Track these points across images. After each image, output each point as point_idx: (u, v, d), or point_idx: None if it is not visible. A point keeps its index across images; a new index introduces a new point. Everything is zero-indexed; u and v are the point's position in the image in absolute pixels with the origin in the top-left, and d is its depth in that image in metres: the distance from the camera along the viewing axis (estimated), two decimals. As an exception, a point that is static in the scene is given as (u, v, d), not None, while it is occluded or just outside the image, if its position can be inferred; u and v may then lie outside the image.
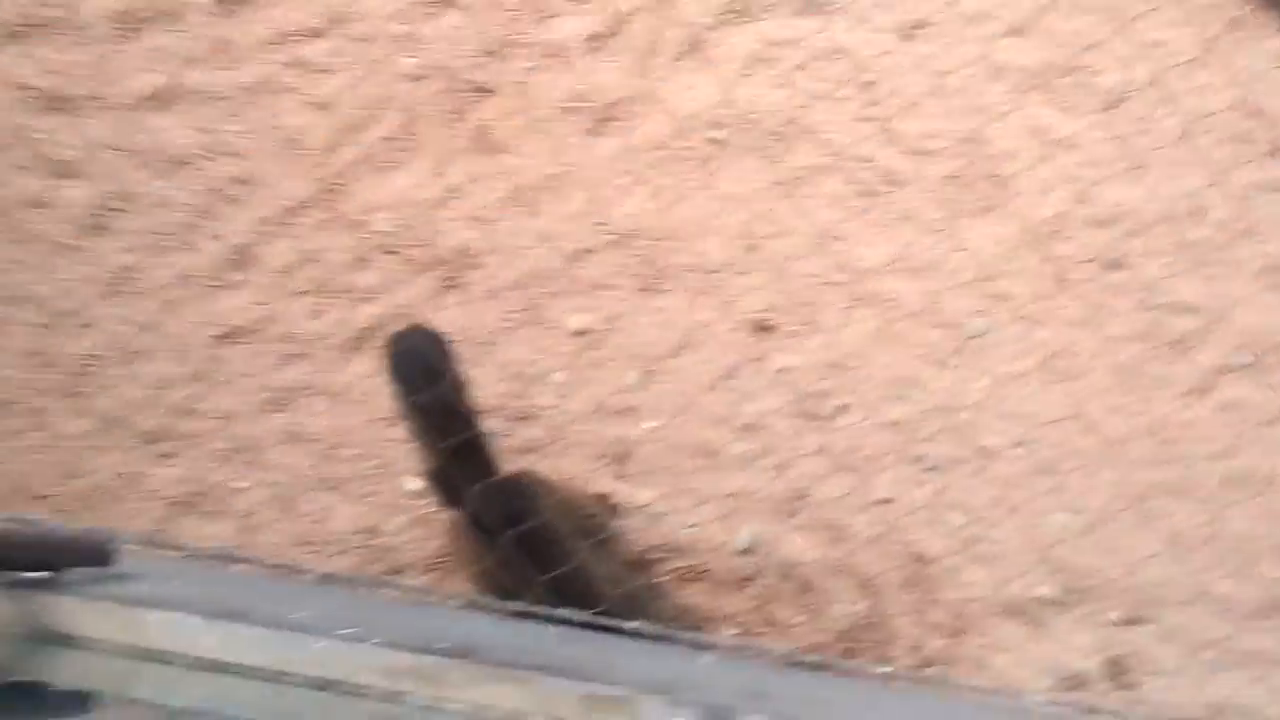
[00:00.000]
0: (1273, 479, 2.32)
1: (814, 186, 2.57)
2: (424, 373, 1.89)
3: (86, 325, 2.45)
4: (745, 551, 2.24)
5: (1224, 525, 2.24)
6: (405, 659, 1.41)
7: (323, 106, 2.50)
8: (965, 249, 2.46)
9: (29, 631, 1.44)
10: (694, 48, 2.70)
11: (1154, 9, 2.59)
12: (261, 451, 2.32)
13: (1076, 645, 2.20)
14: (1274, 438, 2.35)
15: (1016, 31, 2.61)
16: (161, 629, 1.44)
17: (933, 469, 2.30)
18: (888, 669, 1.98)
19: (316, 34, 2.57)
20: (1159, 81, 2.57)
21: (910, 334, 2.40)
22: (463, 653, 1.43)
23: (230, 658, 1.42)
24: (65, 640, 1.44)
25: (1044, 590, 2.24)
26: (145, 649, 1.43)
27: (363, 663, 1.40)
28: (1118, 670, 2.17)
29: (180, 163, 2.44)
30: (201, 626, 1.44)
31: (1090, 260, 2.46)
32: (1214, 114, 2.57)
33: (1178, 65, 2.61)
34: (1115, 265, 2.45)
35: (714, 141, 2.62)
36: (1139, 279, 2.43)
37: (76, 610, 1.46)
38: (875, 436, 2.33)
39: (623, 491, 2.31)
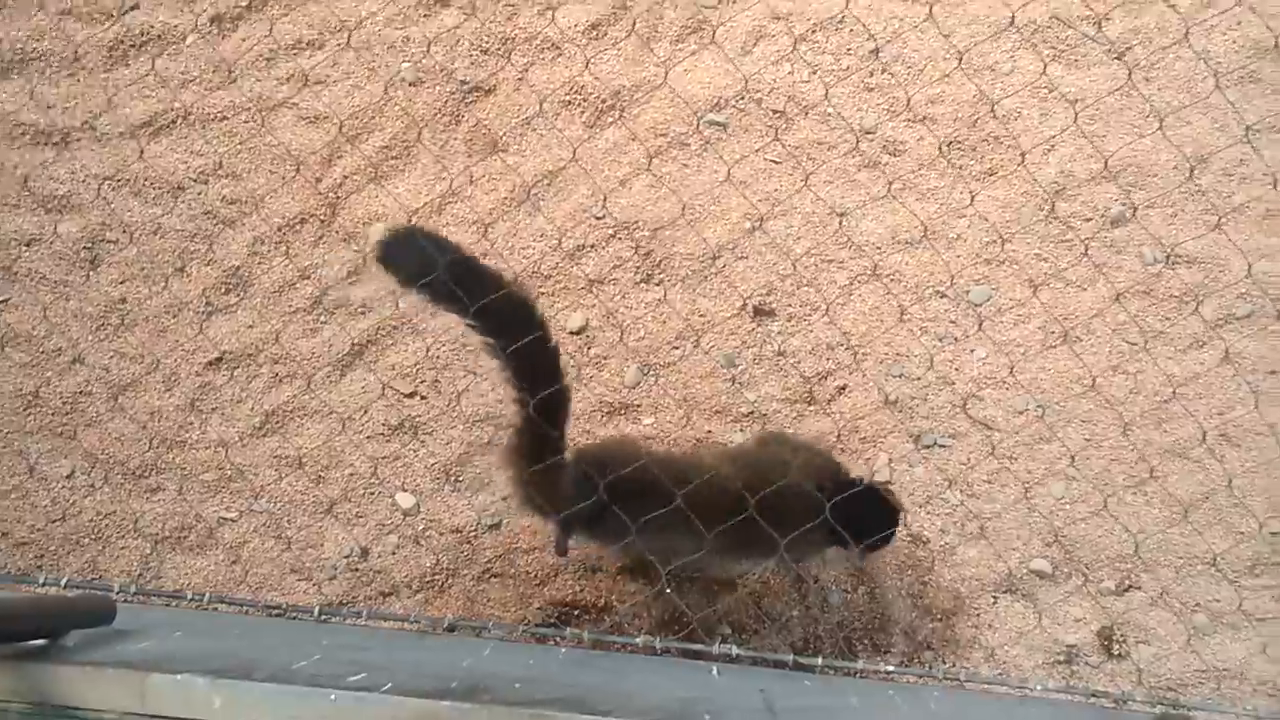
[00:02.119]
0: (1271, 432, 2.62)
1: (815, 163, 2.93)
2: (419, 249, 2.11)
3: (76, 362, 2.95)
4: (742, 544, 2.61)
5: (1220, 483, 2.54)
6: (417, 706, 1.52)
7: (319, 120, 2.95)
8: (967, 215, 2.79)
9: (30, 705, 1.49)
10: (695, 28, 3.09)
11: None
12: (252, 479, 2.76)
13: (1070, 618, 2.53)
14: (1273, 389, 2.64)
15: (1018, -14, 2.93)
16: (167, 693, 1.51)
17: (931, 446, 2.65)
18: (888, 668, 2.30)
19: (312, 46, 3.03)
20: (1164, 26, 2.87)
21: (912, 308, 2.76)
22: (472, 693, 1.55)
23: (239, 719, 1.51)
24: (69, 713, 1.50)
25: (1039, 564, 2.60)
26: (151, 717, 1.51)
27: (374, 714, 1.51)
28: (1109, 641, 2.50)
29: (175, 188, 2.92)
30: (207, 687, 1.52)
31: (1092, 218, 2.77)
32: (1222, 55, 2.85)
33: (1184, 6, 2.89)
34: (1119, 220, 2.77)
35: (715, 124, 3.00)
36: (1142, 233, 2.76)
37: (78, 679, 1.51)
38: (874, 417, 2.70)
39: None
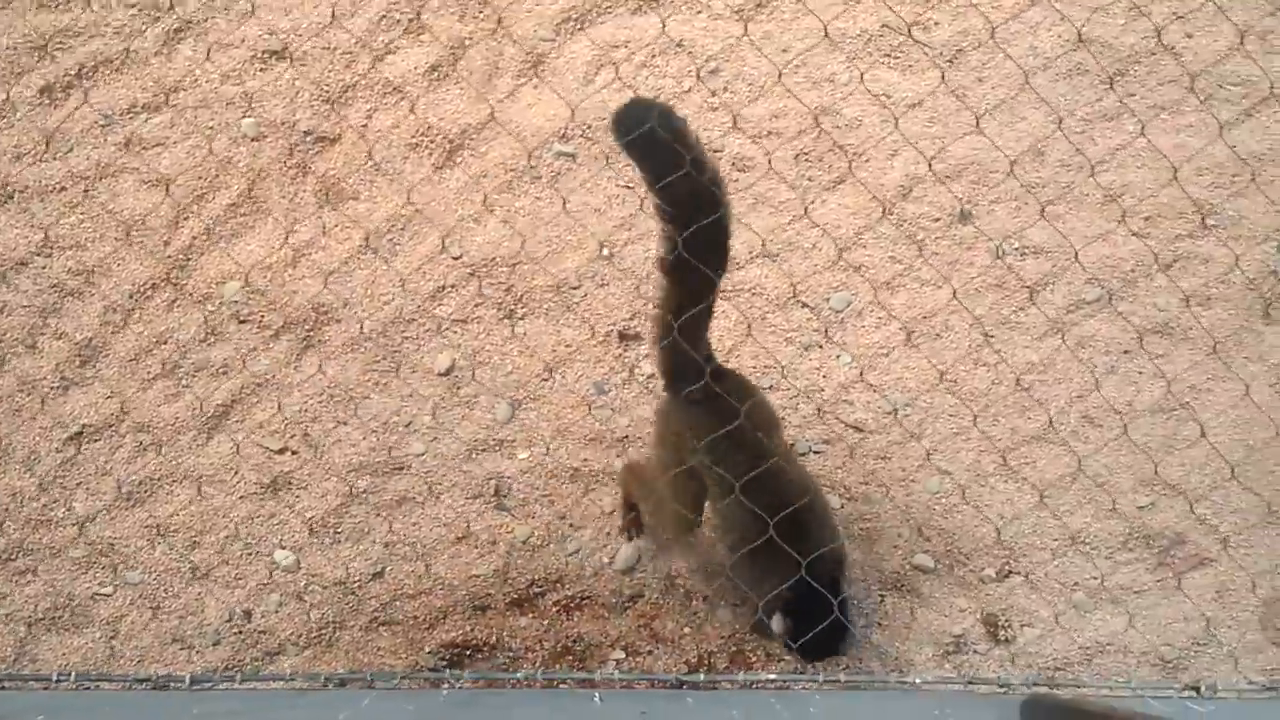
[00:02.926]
0: (1128, 411, 2.87)
1: (666, 185, 3.09)
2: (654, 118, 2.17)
3: None
4: (627, 571, 2.80)
5: (1085, 464, 2.79)
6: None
7: (162, 183, 3.10)
8: (820, 225, 3.00)
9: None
10: (535, 62, 3.27)
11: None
12: (123, 552, 2.86)
13: (955, 609, 2.74)
14: (1126, 369, 2.91)
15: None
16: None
17: (805, 454, 2.85)
18: (769, 676, 2.47)
19: (148, 109, 3.14)
20: (992, 27, 3.12)
21: (774, 320, 2.99)
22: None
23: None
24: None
25: (921, 559, 2.81)
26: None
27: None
28: (994, 627, 2.72)
29: (18, 264, 3.05)
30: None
31: (939, 218, 3.01)
32: (1048, 52, 3.12)
33: (1008, 7, 3.16)
34: (965, 218, 3.01)
35: (563, 155, 3.18)
36: (989, 228, 3.02)
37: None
38: (748, 427, 2.87)
39: (502, 527, 2.83)
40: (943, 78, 3.21)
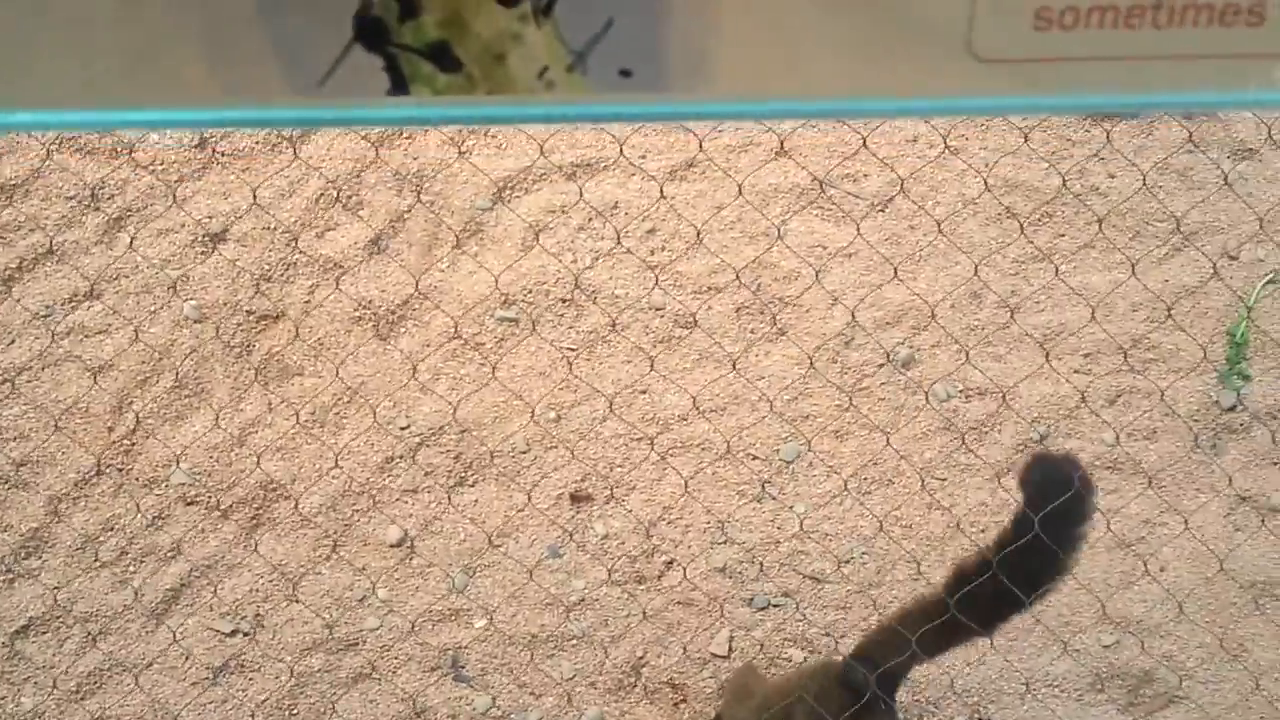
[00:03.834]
0: (1084, 548, 3.05)
1: (610, 345, 3.34)
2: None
3: None
4: (593, 731, 2.93)
5: (1044, 606, 2.96)
6: None
7: (104, 369, 3.29)
8: (765, 376, 3.22)
9: None
10: (473, 232, 3.50)
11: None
12: (86, 745, 2.97)
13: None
14: (1075, 501, 3.10)
15: (780, 154, 3.43)
16: None
17: (765, 608, 3.01)
18: None
19: (89, 297, 3.34)
20: (919, 175, 3.40)
21: (725, 474, 3.17)
22: None
23: None
24: None
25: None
26: None
27: None
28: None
29: (-39, 458, 3.17)
30: None
31: (883, 364, 3.23)
32: (976, 197, 3.39)
33: (933, 158, 3.44)
34: (908, 363, 3.23)
35: (506, 321, 3.40)
36: (932, 372, 3.22)
37: None
38: (705, 586, 3.07)
39: (462, 699, 2.95)
40: (857, 230, 3.47)
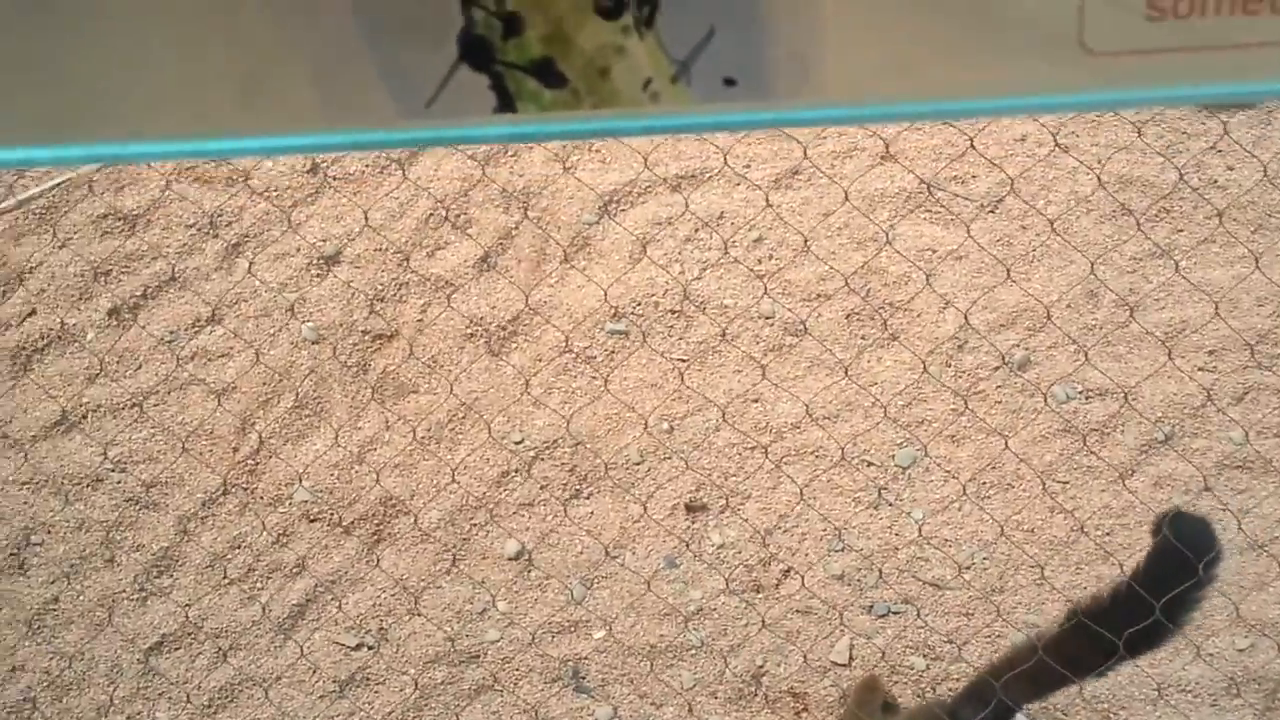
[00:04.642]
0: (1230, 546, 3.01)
1: (721, 355, 3.36)
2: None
3: (15, 670, 3.32)
4: (716, 741, 2.95)
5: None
6: None
7: (227, 391, 3.38)
8: (878, 382, 3.21)
9: None
10: (581, 246, 3.55)
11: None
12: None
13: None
14: (1206, 507, 3.07)
15: (886, 158, 3.43)
16: None
17: (885, 615, 3.00)
18: None
19: (210, 322, 3.45)
20: (1029, 174, 3.37)
21: (840, 481, 3.17)
22: None
23: None
24: None
25: (1019, 716, 2.90)
26: None
27: None
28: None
29: (94, 480, 3.31)
30: None
31: (998, 366, 3.20)
32: (1089, 194, 3.35)
33: (1043, 156, 3.41)
34: (1024, 365, 3.21)
35: (616, 334, 3.42)
36: (1049, 373, 3.20)
37: None
38: (823, 594, 3.07)
39: (583, 710, 2.99)
40: (968, 232, 3.44)
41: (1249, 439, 3.31)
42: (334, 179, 3.82)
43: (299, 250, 3.75)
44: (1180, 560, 2.29)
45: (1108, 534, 3.23)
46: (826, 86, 1.05)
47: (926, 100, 1.07)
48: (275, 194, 3.80)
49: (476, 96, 1.05)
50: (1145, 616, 2.28)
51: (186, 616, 3.30)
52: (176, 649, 3.27)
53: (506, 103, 1.03)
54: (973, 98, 1.09)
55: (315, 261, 3.75)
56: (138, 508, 3.43)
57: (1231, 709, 3.09)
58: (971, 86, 1.07)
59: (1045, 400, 3.37)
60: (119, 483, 3.46)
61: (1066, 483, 3.31)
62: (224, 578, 3.35)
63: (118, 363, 3.59)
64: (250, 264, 3.72)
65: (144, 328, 3.64)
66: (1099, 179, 3.53)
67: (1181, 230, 3.56)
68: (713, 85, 1.05)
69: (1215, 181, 3.60)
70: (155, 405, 3.56)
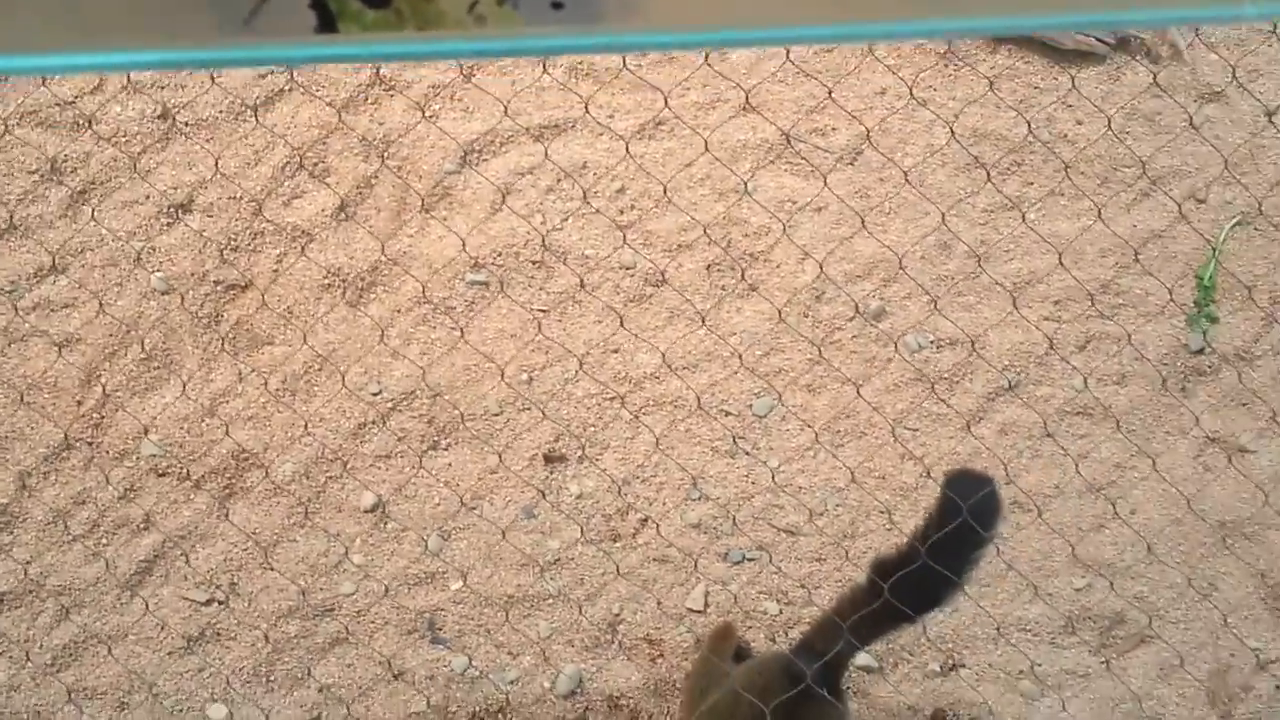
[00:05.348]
0: (1056, 493, 3.10)
1: (581, 306, 3.36)
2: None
3: None
4: (569, 695, 2.99)
5: (1017, 550, 3.00)
6: None
7: (71, 343, 3.29)
8: (737, 332, 3.24)
9: None
10: (441, 196, 3.51)
11: (867, 61, 3.45)
12: (50, 719, 2.98)
13: (903, 707, 2.93)
14: (1048, 452, 3.15)
15: (748, 109, 3.44)
16: None
17: (740, 562, 3.05)
18: None
19: (53, 271, 3.33)
20: (887, 127, 3.41)
21: (698, 430, 3.20)
22: None
23: None
24: None
25: (864, 659, 3.00)
26: None
27: None
28: (945, 720, 2.93)
29: (-70, 435, 3.18)
30: None
31: (854, 317, 3.25)
32: (943, 147, 3.40)
33: (899, 109, 3.45)
34: (879, 315, 3.26)
35: (476, 284, 3.40)
36: (902, 323, 3.25)
37: None
38: (680, 542, 3.09)
39: (439, 661, 2.99)
40: (824, 183, 3.49)
41: (1089, 385, 3.41)
42: (186, 125, 3.72)
43: (148, 198, 3.65)
44: (959, 517, 2.43)
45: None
46: (653, 12, 1.05)
47: (749, 28, 1.08)
48: (123, 140, 3.70)
49: (297, 15, 1.03)
50: (925, 572, 2.41)
51: (26, 574, 3.22)
52: (17, 607, 3.20)
53: (328, 22, 1.01)
54: (794, 25, 1.10)
55: (165, 210, 3.66)
56: (-24, 463, 3.34)
57: (1069, 646, 3.20)
58: (794, 14, 1.09)
59: (897, 349, 3.43)
60: (-44, 437, 3.36)
61: (916, 430, 3.39)
62: (67, 534, 3.28)
63: (-45, 313, 3.48)
64: (95, 212, 3.62)
65: (-18, 277, 3.53)
66: (952, 131, 3.59)
67: (1031, 183, 3.64)
68: (541, 8, 1.04)
69: (1065, 136, 3.69)
70: (-5, 357, 3.45)
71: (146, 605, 3.19)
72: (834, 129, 3.70)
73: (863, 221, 3.37)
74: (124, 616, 3.19)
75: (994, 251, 3.51)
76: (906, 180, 3.52)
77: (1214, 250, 3.55)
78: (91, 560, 3.24)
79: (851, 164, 3.67)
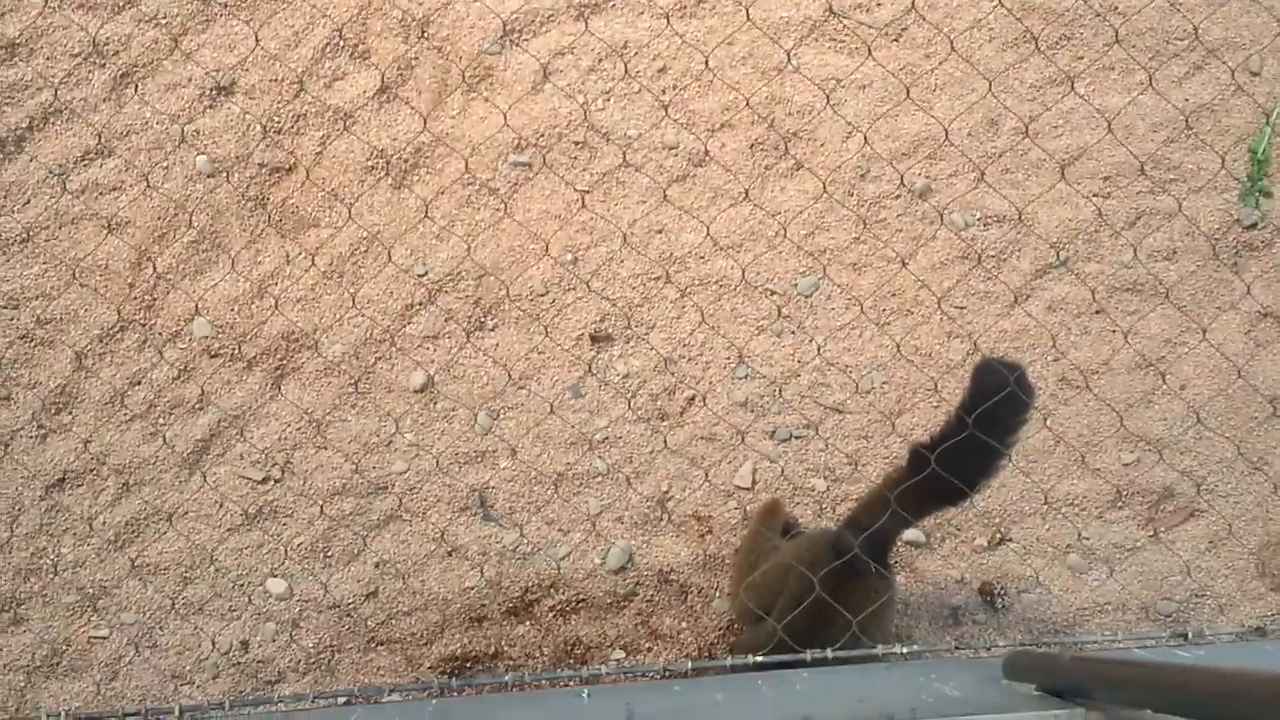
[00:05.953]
0: (1104, 369, 3.11)
1: (625, 186, 3.37)
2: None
3: None
4: (619, 570, 3.04)
5: (1065, 425, 3.02)
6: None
7: (121, 225, 3.33)
8: (781, 211, 3.24)
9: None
10: (483, 77, 3.49)
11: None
12: (115, 594, 3.07)
13: (950, 581, 2.98)
14: (1096, 328, 3.15)
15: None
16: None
17: (787, 439, 3.08)
18: (757, 658, 2.67)
19: (100, 154, 3.36)
20: (932, 2, 3.37)
21: (743, 309, 3.22)
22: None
23: None
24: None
25: (912, 534, 3.04)
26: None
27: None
28: (990, 596, 2.96)
29: (-15, 319, 3.25)
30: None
31: (899, 195, 3.24)
32: (990, 21, 3.36)
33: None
34: (924, 193, 3.25)
35: (519, 165, 3.41)
36: (949, 200, 3.23)
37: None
38: (727, 419, 3.13)
39: (491, 537, 3.05)
40: (870, 55, 3.45)
41: (1139, 260, 3.40)
42: (225, 4, 3.71)
43: (191, 81, 3.65)
44: (992, 399, 2.45)
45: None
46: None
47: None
48: (164, 21, 3.69)
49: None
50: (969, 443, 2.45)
51: (88, 451, 3.29)
52: (79, 485, 3.28)
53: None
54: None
55: (208, 92, 3.66)
56: (32, 344, 3.38)
57: (1116, 520, 3.24)
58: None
59: (943, 225, 3.43)
60: (12, 320, 3.40)
61: (964, 307, 3.39)
62: (125, 413, 3.34)
63: (4, 196, 3.51)
64: (139, 92, 3.63)
65: (31, 159, 3.55)
66: (1002, 3, 3.54)
67: (1081, 57, 3.59)
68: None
69: (1115, 7, 3.63)
70: (46, 240, 3.49)
71: (205, 482, 3.26)
72: (878, 3, 3.65)
73: (908, 92, 3.34)
74: (183, 494, 3.27)
75: (1042, 127, 3.48)
76: (953, 49, 3.48)
77: (1268, 123, 3.51)
78: (150, 439, 3.31)
79: (896, 40, 3.63)
